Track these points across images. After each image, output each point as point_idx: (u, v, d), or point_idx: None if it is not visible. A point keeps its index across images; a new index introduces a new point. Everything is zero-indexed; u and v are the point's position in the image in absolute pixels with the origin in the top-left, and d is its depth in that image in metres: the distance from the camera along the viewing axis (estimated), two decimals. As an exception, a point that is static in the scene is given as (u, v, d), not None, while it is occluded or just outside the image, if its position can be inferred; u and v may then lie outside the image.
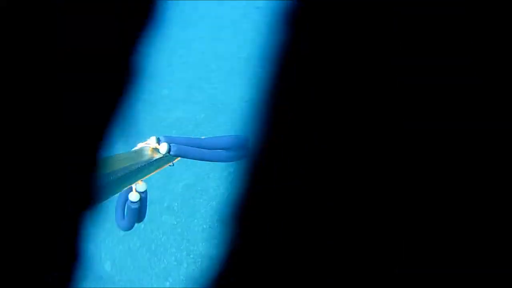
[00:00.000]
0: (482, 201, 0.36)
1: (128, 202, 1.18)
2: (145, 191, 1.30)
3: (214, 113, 3.30)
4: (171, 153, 1.27)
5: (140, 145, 1.26)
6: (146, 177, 1.20)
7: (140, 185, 1.22)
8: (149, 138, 1.25)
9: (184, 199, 2.95)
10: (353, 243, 0.40)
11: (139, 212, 1.32)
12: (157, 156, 1.24)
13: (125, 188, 1.16)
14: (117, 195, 1.15)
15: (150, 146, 1.26)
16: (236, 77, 3.26)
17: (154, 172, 1.26)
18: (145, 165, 1.13)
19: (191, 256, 2.91)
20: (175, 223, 2.91)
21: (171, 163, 1.36)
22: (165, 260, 2.97)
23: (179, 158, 1.36)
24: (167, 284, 3.16)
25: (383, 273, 0.39)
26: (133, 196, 1.19)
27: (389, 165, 0.38)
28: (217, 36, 3.74)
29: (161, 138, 1.27)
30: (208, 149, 1.47)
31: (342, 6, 0.39)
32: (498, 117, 0.35)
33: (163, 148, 1.24)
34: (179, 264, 2.81)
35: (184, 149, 1.32)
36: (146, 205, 1.33)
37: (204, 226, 2.81)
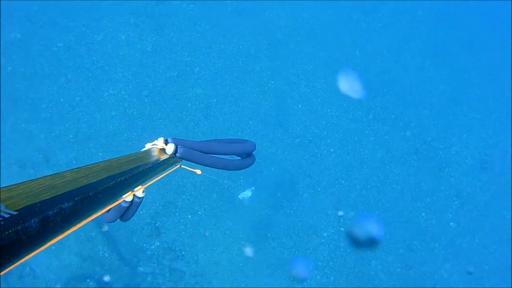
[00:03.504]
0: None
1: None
2: (141, 198, 1.26)
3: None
4: (177, 155, 1.23)
5: (148, 146, 1.25)
6: (156, 179, 1.16)
7: (139, 191, 1.18)
8: (157, 139, 1.25)
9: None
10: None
11: (126, 212, 1.27)
12: (164, 157, 1.20)
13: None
14: None
15: (158, 147, 1.23)
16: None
17: (162, 175, 1.22)
18: (152, 166, 1.09)
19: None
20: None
21: (179, 165, 1.33)
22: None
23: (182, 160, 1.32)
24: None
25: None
26: (127, 197, 1.13)
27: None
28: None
29: (169, 139, 1.25)
30: (220, 153, 1.43)
31: None
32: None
33: (170, 148, 1.21)
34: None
35: (191, 153, 1.27)
36: (136, 209, 1.29)
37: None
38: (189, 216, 7.16)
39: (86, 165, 0.89)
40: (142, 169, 1.02)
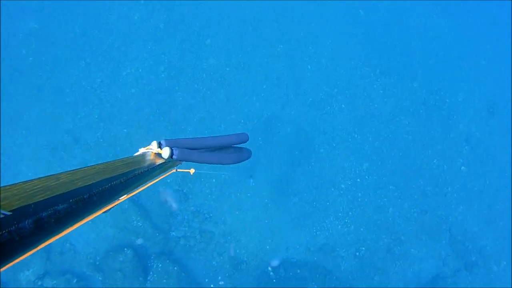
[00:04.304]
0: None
1: None
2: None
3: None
4: (174, 157, 1.22)
5: (141, 150, 1.23)
6: (150, 184, 1.14)
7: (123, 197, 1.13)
8: (150, 143, 1.23)
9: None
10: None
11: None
12: (159, 161, 1.18)
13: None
14: None
15: (152, 151, 1.22)
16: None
17: (158, 179, 1.20)
18: (148, 169, 1.07)
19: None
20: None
21: (175, 169, 1.33)
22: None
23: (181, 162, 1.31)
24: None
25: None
26: (119, 202, 1.05)
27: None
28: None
29: (163, 142, 1.24)
30: (215, 147, 1.43)
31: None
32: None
33: (166, 152, 1.20)
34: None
35: (187, 153, 1.27)
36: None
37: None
38: (214, 180, 7.63)
39: (82, 168, 0.89)
40: (137, 173, 1.01)
